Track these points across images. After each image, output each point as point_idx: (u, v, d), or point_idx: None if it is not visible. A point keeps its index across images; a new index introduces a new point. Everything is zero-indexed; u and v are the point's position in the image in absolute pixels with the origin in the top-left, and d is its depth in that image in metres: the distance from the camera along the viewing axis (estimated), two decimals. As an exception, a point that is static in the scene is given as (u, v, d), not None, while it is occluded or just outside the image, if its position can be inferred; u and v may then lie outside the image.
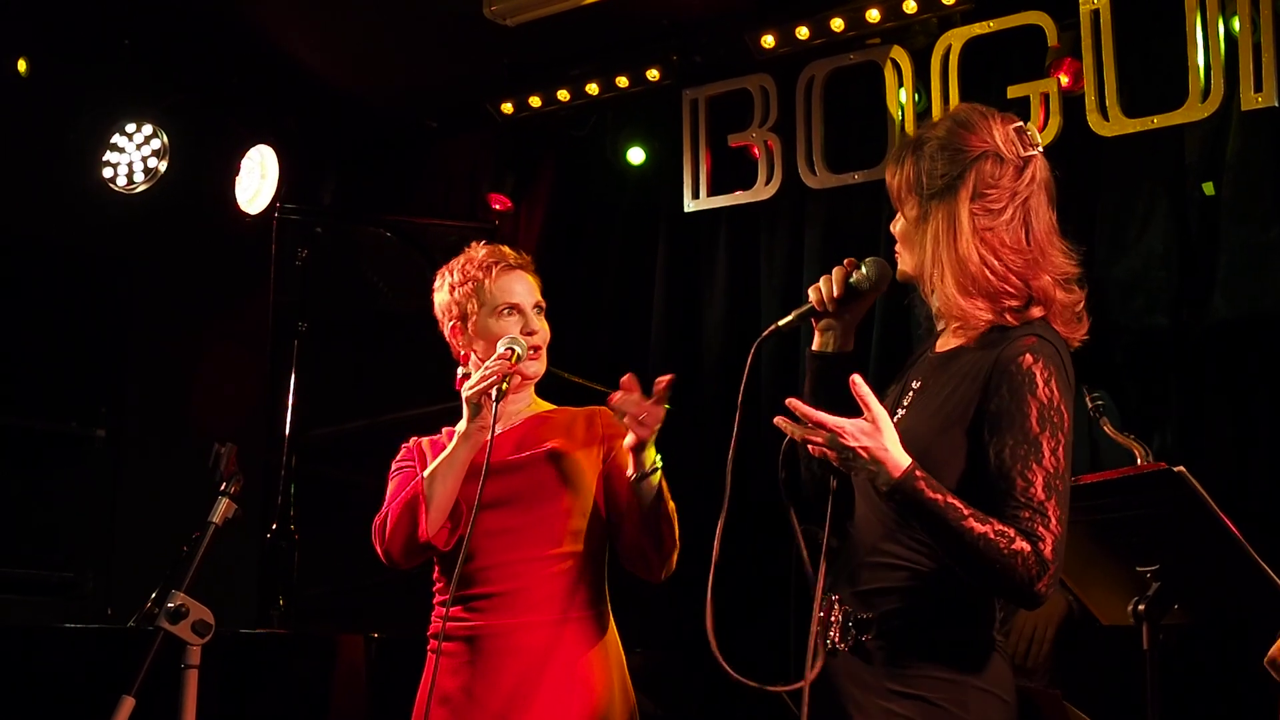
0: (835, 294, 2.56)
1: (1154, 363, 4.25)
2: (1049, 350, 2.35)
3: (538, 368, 3.18)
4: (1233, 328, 4.17)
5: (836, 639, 2.41)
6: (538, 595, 3.01)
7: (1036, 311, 2.39)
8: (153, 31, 5.24)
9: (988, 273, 2.38)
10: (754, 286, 5.11)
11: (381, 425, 4.86)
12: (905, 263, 2.52)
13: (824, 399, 2.50)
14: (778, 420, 2.40)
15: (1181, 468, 2.68)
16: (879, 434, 2.31)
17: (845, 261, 2.57)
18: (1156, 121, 4.24)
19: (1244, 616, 3.21)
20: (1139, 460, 3.44)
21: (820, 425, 2.34)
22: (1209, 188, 4.25)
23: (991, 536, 2.25)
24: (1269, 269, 4.11)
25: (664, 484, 3.02)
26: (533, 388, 3.24)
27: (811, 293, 2.58)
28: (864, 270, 2.56)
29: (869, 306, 2.62)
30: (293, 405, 4.50)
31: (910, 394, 2.51)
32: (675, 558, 3.04)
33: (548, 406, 3.26)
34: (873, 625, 2.39)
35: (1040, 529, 2.25)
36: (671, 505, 3.02)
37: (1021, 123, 2.48)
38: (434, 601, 3.12)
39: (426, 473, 3.03)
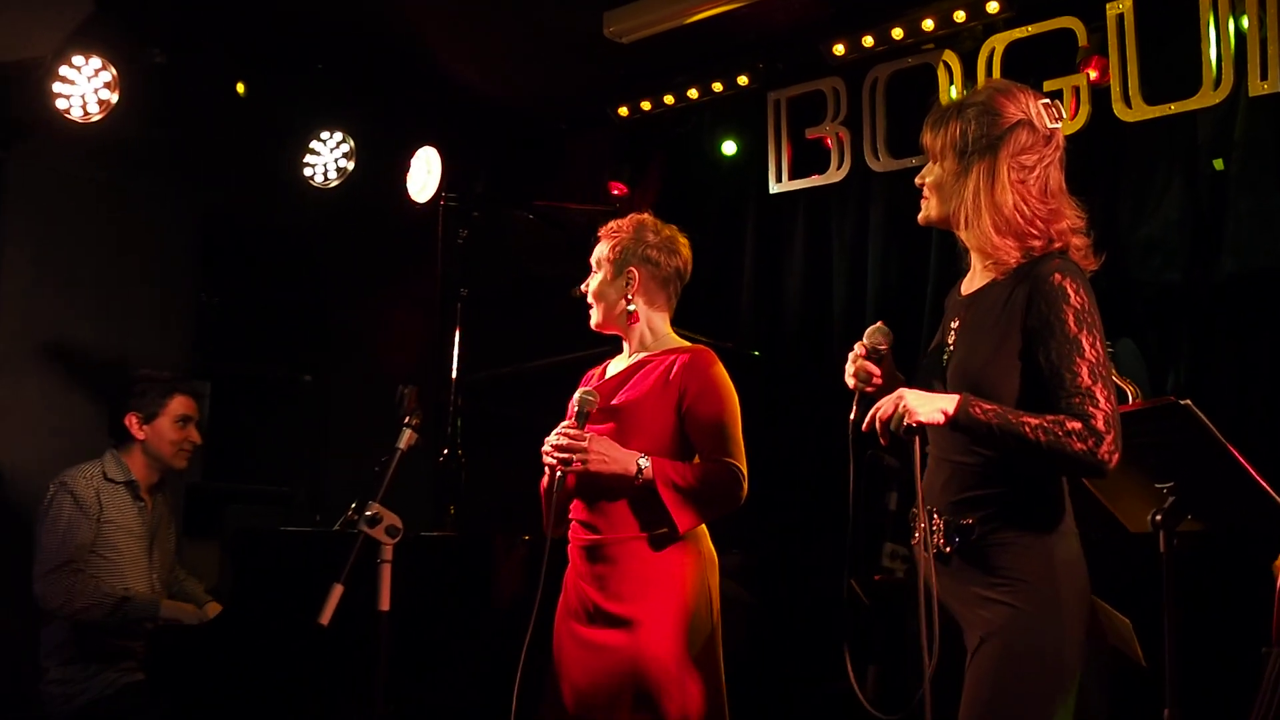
0: (875, 370, 2.46)
1: (1170, 312, 4.09)
2: (1074, 268, 2.32)
3: (591, 317, 3.16)
4: (1238, 282, 3.97)
5: (942, 545, 2.34)
6: (625, 516, 2.99)
7: (1057, 246, 2.35)
8: (341, 57, 5.26)
9: (1019, 215, 2.33)
10: (827, 255, 5.00)
11: (528, 370, 4.81)
12: (933, 209, 2.46)
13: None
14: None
15: (1188, 401, 2.65)
16: (904, 396, 2.27)
17: (857, 346, 2.48)
18: (1174, 108, 4.05)
19: (1245, 523, 3.02)
20: (1129, 399, 3.31)
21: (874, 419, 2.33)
22: (1219, 164, 4.03)
23: (1047, 425, 2.20)
24: (1270, 231, 3.90)
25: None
26: (652, 323, 3.15)
27: (852, 380, 2.46)
28: (870, 339, 2.48)
29: (890, 362, 2.50)
30: (457, 355, 4.39)
31: (952, 333, 2.44)
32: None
33: (672, 343, 3.14)
34: (973, 529, 2.31)
35: (1089, 408, 2.20)
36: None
37: (1049, 99, 2.43)
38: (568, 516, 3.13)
39: (543, 486, 3.08)
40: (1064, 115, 2.42)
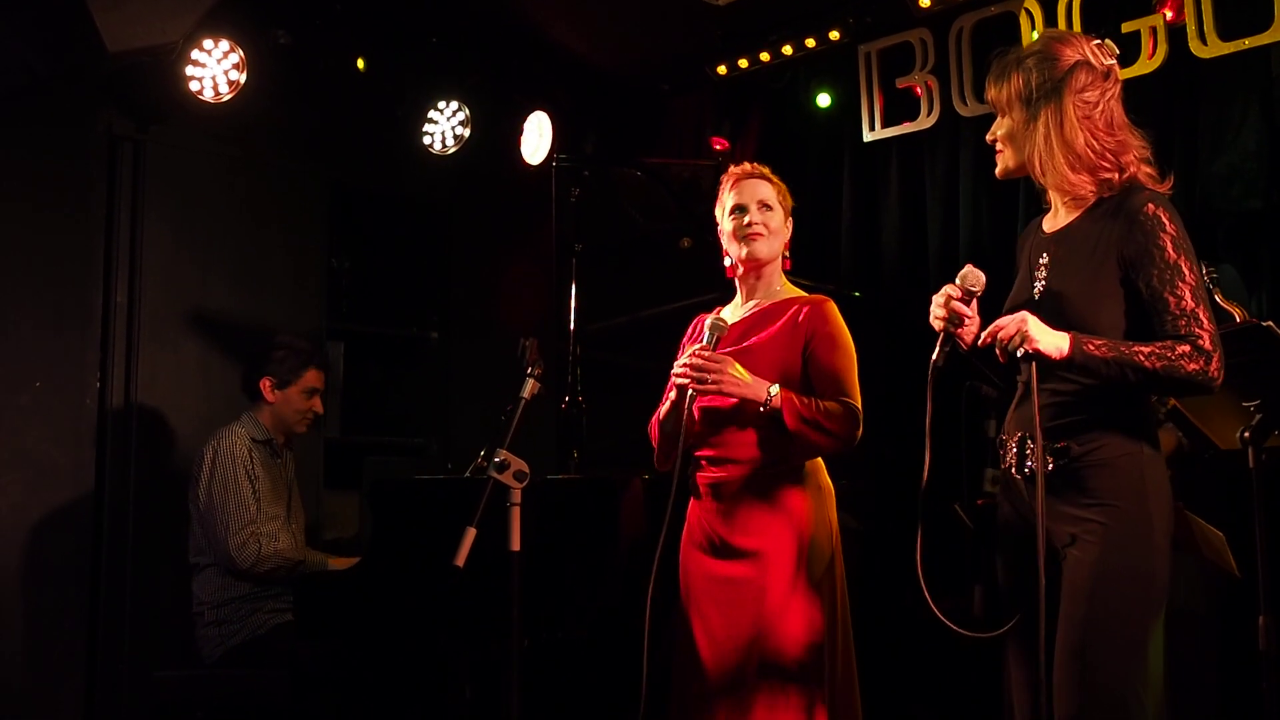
0: (968, 312, 2.49)
1: (1251, 239, 4.16)
2: (1164, 199, 2.39)
3: (757, 249, 3.19)
4: (1313, 206, 4.14)
5: (1035, 466, 2.39)
6: (748, 450, 3.08)
7: (1127, 175, 2.42)
8: (454, 30, 5.41)
9: (1090, 151, 2.41)
10: (921, 198, 5.11)
11: (640, 319, 4.96)
12: (1009, 159, 2.52)
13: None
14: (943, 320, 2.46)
15: (1270, 323, 2.79)
16: (1027, 320, 2.32)
17: (950, 288, 2.49)
18: (1247, 43, 4.13)
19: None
20: (1236, 320, 3.37)
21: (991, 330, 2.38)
22: (1293, 94, 4.23)
23: (1159, 351, 2.28)
24: (1345, 157, 4.08)
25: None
26: (779, 272, 3.26)
27: (939, 322, 2.48)
28: (964, 282, 2.48)
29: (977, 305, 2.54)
30: (574, 307, 4.47)
31: (1042, 268, 2.49)
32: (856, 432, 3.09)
33: (789, 293, 3.26)
34: (1068, 451, 2.38)
35: (1195, 329, 2.28)
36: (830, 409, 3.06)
37: (1100, 38, 2.50)
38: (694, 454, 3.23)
39: (659, 417, 3.16)
40: (1116, 51, 2.45)
